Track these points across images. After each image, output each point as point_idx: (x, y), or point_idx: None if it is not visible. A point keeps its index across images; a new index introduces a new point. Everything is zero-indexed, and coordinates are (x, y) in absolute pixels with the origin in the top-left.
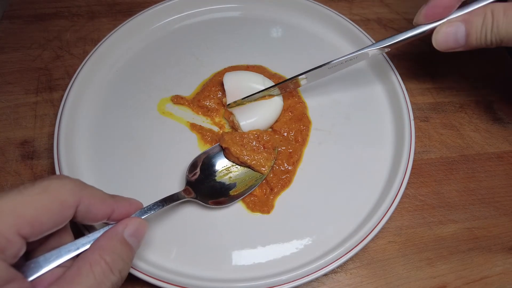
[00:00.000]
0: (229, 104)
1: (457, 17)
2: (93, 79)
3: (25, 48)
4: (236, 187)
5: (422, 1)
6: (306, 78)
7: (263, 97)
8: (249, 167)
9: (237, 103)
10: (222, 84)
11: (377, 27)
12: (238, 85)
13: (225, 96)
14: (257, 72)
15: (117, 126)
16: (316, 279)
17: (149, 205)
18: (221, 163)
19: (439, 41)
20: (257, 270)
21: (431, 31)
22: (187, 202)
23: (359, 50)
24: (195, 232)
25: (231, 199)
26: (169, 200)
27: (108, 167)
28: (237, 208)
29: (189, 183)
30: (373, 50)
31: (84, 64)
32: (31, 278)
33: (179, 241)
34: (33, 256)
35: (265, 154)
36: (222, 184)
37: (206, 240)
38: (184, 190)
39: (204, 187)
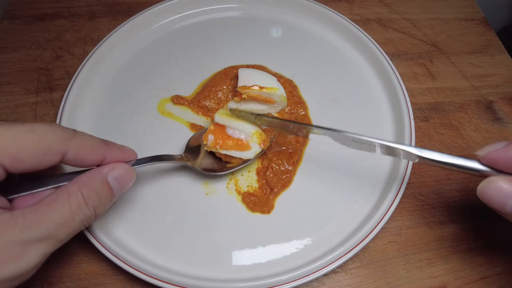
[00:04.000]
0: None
1: None
2: (93, 79)
3: (25, 48)
4: (232, 163)
5: (422, 1)
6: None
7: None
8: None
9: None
10: (224, 83)
11: (377, 27)
12: (252, 76)
13: (225, 95)
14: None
15: (117, 126)
16: (316, 279)
17: (143, 158)
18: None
19: (485, 193)
20: (257, 270)
21: (485, 175)
22: (188, 195)
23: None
24: (195, 232)
25: (226, 169)
26: (163, 158)
27: None
28: (237, 208)
29: (188, 150)
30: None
31: (84, 64)
32: (9, 197)
33: (180, 241)
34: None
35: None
36: (219, 159)
37: (206, 240)
38: (182, 156)
39: (202, 158)
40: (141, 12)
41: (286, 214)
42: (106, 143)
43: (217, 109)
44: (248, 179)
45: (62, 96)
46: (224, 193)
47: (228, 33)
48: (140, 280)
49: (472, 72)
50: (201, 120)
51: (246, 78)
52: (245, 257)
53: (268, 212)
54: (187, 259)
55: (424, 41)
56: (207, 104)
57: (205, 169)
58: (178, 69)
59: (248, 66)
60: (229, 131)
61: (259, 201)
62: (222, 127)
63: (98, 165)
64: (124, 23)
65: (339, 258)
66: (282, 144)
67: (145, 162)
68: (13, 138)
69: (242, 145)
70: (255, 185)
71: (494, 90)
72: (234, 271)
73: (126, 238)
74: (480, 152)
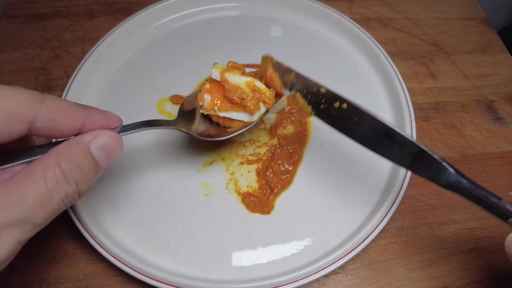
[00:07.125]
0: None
1: None
2: (92, 79)
3: (23, 47)
4: (233, 127)
5: (423, 0)
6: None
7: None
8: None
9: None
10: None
11: (378, 26)
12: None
13: None
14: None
15: None
16: (317, 280)
17: (130, 124)
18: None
19: None
20: (257, 271)
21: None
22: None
23: None
24: (194, 233)
25: (226, 134)
26: (154, 123)
27: None
28: (237, 208)
29: (182, 114)
30: None
31: (82, 63)
32: None
33: (179, 242)
34: None
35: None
36: (217, 124)
37: (206, 241)
38: (175, 122)
39: (198, 124)
40: (140, 11)
41: (286, 215)
42: (84, 107)
43: None
44: (247, 179)
45: (61, 95)
46: (223, 194)
47: (228, 33)
48: (139, 281)
49: (473, 71)
50: None
51: None
52: (245, 258)
53: (268, 212)
54: (187, 260)
55: (425, 41)
56: None
57: (201, 135)
58: (177, 69)
59: (248, 66)
60: None
61: (259, 202)
62: (220, 84)
63: (76, 134)
64: (123, 22)
65: (340, 259)
66: (282, 144)
67: (133, 128)
68: None
69: (244, 105)
70: (255, 185)
71: (495, 89)
72: (233, 272)
73: (125, 239)
74: None
